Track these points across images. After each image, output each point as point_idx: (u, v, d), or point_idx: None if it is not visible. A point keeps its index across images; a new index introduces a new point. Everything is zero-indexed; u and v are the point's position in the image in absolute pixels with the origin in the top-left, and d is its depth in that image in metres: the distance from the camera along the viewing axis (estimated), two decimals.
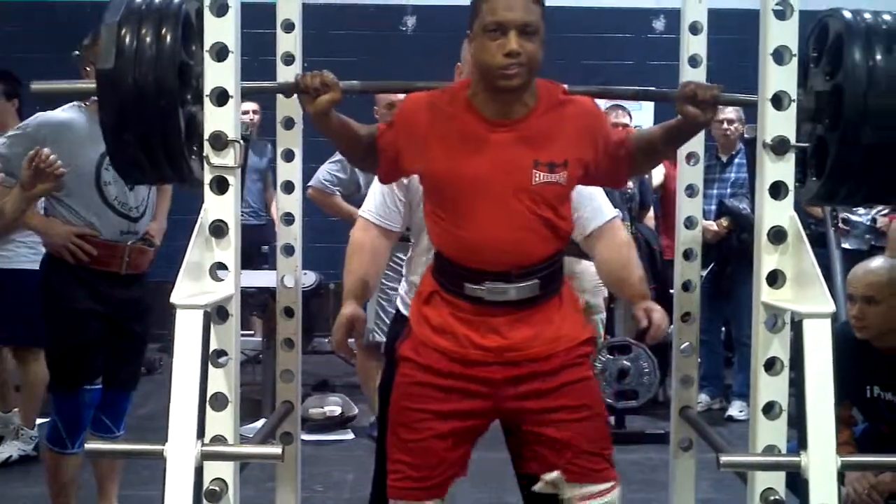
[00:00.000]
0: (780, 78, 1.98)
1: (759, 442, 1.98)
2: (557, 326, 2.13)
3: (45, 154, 2.81)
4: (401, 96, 2.32)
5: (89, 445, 2.19)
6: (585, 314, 3.19)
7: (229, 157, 1.99)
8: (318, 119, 2.05)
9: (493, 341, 2.09)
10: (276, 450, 1.93)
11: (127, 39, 1.99)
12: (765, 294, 1.99)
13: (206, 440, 1.87)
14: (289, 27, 2.53)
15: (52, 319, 3.20)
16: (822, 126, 2.13)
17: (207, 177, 2.00)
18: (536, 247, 2.08)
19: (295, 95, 2.17)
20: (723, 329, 5.70)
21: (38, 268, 3.27)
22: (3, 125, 4.24)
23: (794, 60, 1.98)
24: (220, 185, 2.00)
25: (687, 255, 2.67)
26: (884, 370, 2.91)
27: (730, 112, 5.17)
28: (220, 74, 1.99)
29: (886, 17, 2.08)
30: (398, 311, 2.58)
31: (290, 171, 2.62)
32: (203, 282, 1.98)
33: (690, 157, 2.65)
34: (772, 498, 1.92)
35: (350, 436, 4.85)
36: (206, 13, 1.98)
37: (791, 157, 1.99)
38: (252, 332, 5.87)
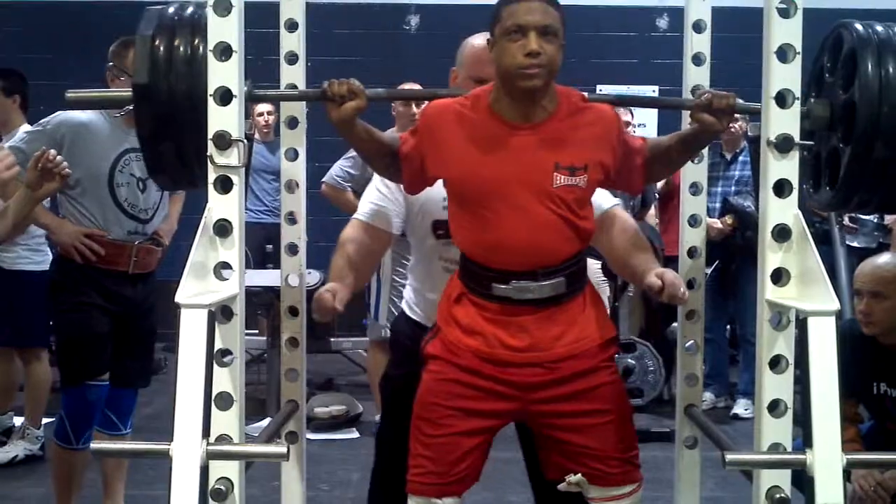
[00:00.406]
0: (783, 76, 1.98)
1: (764, 440, 1.97)
2: (582, 327, 2.16)
3: (52, 154, 2.84)
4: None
5: (95, 445, 2.20)
6: None
7: (233, 157, 1.99)
8: (342, 126, 2.08)
9: (522, 340, 2.11)
10: (281, 449, 1.93)
11: (161, 51, 2.04)
12: (769, 292, 1.98)
13: (212, 439, 1.87)
14: (292, 26, 2.53)
15: (59, 315, 3.27)
16: (836, 137, 2.14)
17: (211, 176, 2.00)
18: (559, 246, 2.11)
19: None
20: (727, 327, 5.70)
21: (38, 269, 3.30)
22: (4, 122, 4.26)
23: (798, 58, 1.97)
24: (224, 185, 2.01)
25: (691, 253, 2.66)
26: (891, 367, 2.91)
27: None
28: (223, 74, 1.99)
29: None
30: (403, 311, 2.59)
31: (293, 170, 2.62)
32: (207, 281, 1.99)
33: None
34: (777, 496, 1.92)
35: (355, 435, 4.86)
36: (210, 12, 1.98)
37: (795, 156, 1.98)
38: (257, 331, 5.87)
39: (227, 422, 1.97)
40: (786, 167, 1.98)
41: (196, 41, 2.05)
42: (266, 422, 4.00)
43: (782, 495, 1.92)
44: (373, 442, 2.60)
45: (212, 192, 2.00)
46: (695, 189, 2.67)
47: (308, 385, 2.78)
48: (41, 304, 4.04)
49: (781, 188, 1.99)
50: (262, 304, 4.98)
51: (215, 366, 1.93)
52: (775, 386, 1.97)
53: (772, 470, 1.93)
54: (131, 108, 2.09)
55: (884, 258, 2.99)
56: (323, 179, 4.78)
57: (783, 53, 1.97)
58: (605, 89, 6.58)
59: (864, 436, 3.04)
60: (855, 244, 5.17)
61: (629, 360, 4.88)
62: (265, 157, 6.06)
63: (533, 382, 2.12)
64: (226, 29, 1.99)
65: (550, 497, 2.30)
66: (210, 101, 1.99)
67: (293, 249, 2.63)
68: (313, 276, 3.98)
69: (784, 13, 1.96)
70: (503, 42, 2.03)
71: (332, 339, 5.94)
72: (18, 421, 4.49)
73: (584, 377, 2.14)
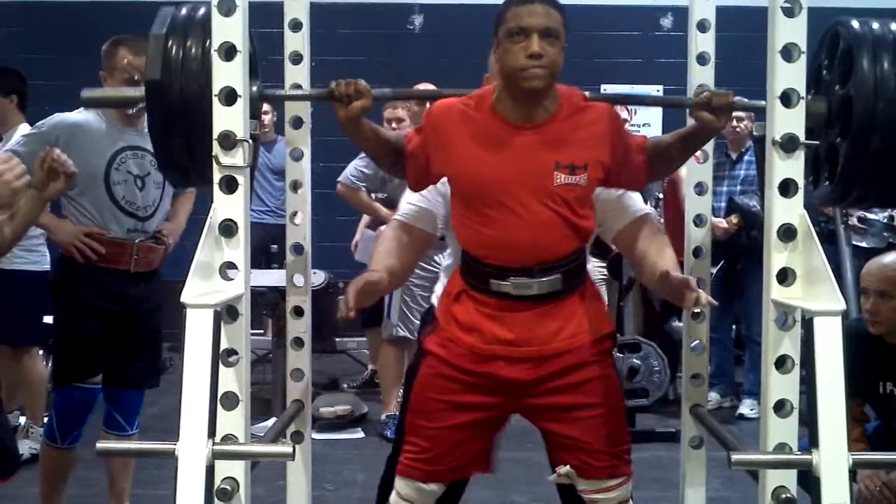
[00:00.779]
0: (788, 75, 1.98)
1: (770, 440, 1.97)
2: (578, 322, 2.19)
3: (57, 153, 2.84)
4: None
5: (101, 445, 2.19)
6: None
7: (238, 157, 2.00)
8: (349, 125, 2.12)
9: (519, 335, 2.15)
10: (286, 449, 1.93)
11: (173, 51, 2.07)
12: (775, 292, 1.98)
13: (217, 439, 1.87)
14: (296, 26, 2.54)
15: (58, 315, 3.29)
16: (834, 133, 2.16)
17: (217, 176, 2.01)
18: (558, 244, 2.14)
19: None
20: (733, 327, 5.69)
21: (34, 269, 3.32)
22: (2, 121, 4.28)
23: (803, 58, 1.97)
24: (230, 185, 2.01)
25: (697, 252, 2.66)
26: None
27: None
28: (228, 74, 1.99)
29: (894, 27, 2.11)
30: (433, 306, 2.58)
31: (298, 170, 2.62)
32: (213, 281, 1.99)
33: (700, 154, 2.64)
34: (783, 496, 1.92)
35: (360, 434, 4.85)
36: (214, 12, 1.99)
37: (800, 155, 1.98)
38: (262, 331, 5.88)
39: (232, 422, 1.98)
40: (791, 167, 1.98)
41: (207, 42, 2.05)
42: (271, 422, 4.00)
43: (788, 495, 1.92)
44: (378, 442, 2.60)
45: (217, 192, 2.01)
46: (700, 189, 2.67)
47: (313, 385, 2.78)
48: (36, 303, 4.09)
49: (787, 188, 1.98)
50: (267, 304, 5.00)
51: (221, 366, 1.94)
52: (781, 386, 1.97)
53: (778, 470, 1.93)
54: (141, 106, 2.11)
55: (891, 257, 2.98)
56: (338, 179, 4.87)
57: (788, 53, 1.97)
58: (609, 88, 6.59)
59: (871, 435, 3.03)
60: (863, 245, 5.16)
61: (634, 360, 4.87)
62: (264, 157, 6.04)
63: (528, 377, 2.16)
64: (230, 29, 1.99)
65: (564, 491, 2.36)
66: (215, 101, 1.99)
67: (298, 249, 2.64)
68: (318, 277, 3.99)
69: (789, 12, 1.96)
70: (506, 43, 2.07)
71: (338, 340, 5.95)
72: (23, 420, 4.50)
73: (576, 371, 2.18)
